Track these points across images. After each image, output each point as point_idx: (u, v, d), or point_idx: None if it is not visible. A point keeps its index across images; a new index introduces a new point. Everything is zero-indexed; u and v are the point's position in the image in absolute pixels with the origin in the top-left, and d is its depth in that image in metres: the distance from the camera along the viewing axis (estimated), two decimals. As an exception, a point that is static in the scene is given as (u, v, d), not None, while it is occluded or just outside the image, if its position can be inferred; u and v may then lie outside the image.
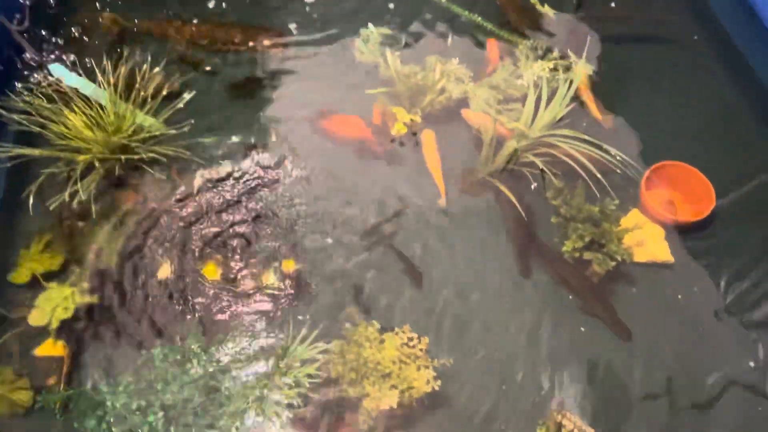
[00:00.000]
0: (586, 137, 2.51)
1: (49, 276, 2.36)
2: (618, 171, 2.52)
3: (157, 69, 2.74)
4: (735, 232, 2.56)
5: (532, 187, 2.61)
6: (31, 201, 2.44)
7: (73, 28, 3.05)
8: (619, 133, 2.78)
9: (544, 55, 2.90)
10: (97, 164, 2.56)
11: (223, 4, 3.21)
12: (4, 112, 2.59)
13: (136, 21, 3.11)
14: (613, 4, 3.21)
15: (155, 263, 2.41)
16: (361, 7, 3.19)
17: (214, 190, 2.59)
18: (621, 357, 2.27)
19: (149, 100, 2.66)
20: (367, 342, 2.17)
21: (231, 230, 2.49)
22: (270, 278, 2.37)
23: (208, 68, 2.96)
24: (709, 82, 3.01)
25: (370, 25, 3.03)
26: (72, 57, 2.89)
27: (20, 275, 2.35)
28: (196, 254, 2.43)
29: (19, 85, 2.71)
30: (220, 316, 2.28)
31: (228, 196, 2.58)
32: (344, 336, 2.19)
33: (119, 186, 2.60)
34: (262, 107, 2.86)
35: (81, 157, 2.52)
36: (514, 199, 2.50)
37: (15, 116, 2.58)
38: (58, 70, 2.78)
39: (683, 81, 3.01)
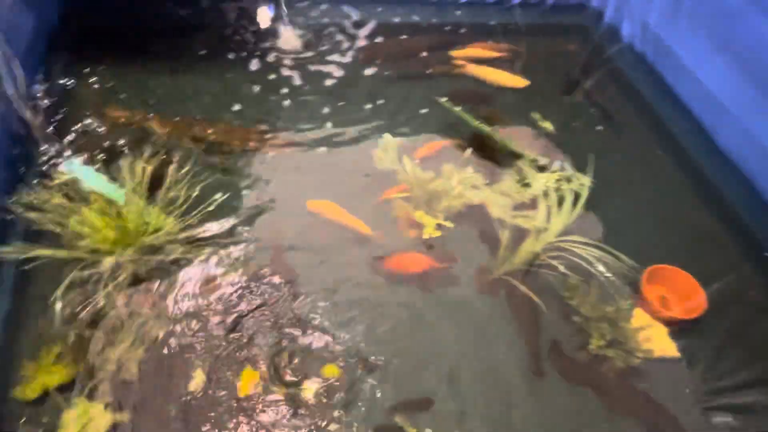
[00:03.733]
0: (597, 243, 2.76)
1: (62, 389, 2.16)
2: (626, 272, 2.77)
3: (183, 170, 2.74)
4: (722, 323, 2.79)
5: (547, 286, 2.78)
6: (58, 307, 2.27)
7: (80, 125, 3.02)
8: (610, 238, 3.06)
9: (546, 167, 3.22)
10: (118, 265, 2.44)
11: (243, 111, 3.33)
12: (19, 210, 2.45)
13: (144, 117, 3.13)
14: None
15: (184, 372, 2.27)
16: (377, 117, 3.42)
17: (247, 294, 2.54)
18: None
19: (179, 201, 2.62)
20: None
21: (264, 337, 2.42)
22: (310, 385, 2.30)
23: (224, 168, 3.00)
24: (679, 198, 3.38)
25: (386, 134, 3.24)
26: (88, 155, 2.83)
27: (30, 390, 2.13)
28: (228, 362, 2.33)
29: (34, 181, 2.60)
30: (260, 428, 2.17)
31: (260, 301, 2.53)
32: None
33: (139, 288, 2.48)
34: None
35: (107, 260, 2.40)
36: (533, 295, 2.65)
37: (30, 214, 2.44)
38: (73, 168, 2.69)
39: (657, 190, 3.40)
